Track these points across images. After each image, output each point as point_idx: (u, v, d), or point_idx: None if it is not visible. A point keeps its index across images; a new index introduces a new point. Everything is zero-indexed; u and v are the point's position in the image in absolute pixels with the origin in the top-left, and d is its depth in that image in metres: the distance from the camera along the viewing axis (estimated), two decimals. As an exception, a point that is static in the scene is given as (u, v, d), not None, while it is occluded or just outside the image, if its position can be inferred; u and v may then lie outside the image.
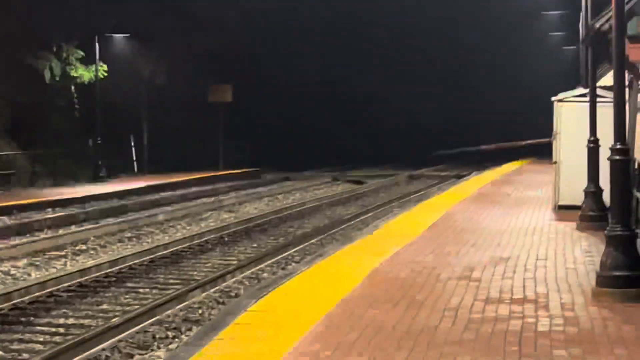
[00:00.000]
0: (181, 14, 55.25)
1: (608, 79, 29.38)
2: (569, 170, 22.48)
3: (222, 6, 58.00)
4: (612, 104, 11.99)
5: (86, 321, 15.05)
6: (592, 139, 19.70)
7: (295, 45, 68.45)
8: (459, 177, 48.24)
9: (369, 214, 30.86)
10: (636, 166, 19.10)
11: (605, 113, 17.97)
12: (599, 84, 23.70)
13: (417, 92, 77.43)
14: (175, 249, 22.44)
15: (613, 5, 12.10)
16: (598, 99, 20.15)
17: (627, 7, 13.61)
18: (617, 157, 11.62)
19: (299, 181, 50.38)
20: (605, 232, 11.59)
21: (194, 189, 42.70)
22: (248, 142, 61.25)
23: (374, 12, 75.97)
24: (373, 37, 76.73)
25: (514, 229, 19.47)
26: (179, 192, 41.02)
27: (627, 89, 19.30)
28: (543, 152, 48.83)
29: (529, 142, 70.29)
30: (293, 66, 67.25)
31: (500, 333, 9.52)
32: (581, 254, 15.50)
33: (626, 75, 18.17)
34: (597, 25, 14.86)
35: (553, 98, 23.99)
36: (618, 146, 11.64)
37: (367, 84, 74.74)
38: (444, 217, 22.12)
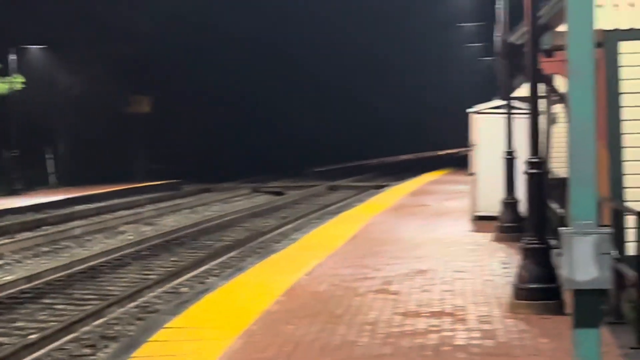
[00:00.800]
0: (99, 24, 54.78)
1: (525, 90, 29.81)
2: (486, 181, 22.72)
3: (140, 16, 57.64)
4: (527, 115, 12.16)
5: (1, 339, 14.80)
6: (508, 150, 19.96)
7: (214, 55, 68.27)
8: (379, 188, 48.46)
9: (289, 226, 30.83)
10: (552, 177, 19.41)
11: (522, 124, 18.24)
12: (515, 94, 24.02)
13: (326, 105, 77.76)
14: (92, 263, 22.19)
15: (526, 19, 12.28)
16: (514, 111, 20.43)
17: (540, 21, 13.81)
18: (532, 170, 11.76)
19: (219, 192, 50.18)
20: (521, 244, 11.73)
21: (112, 202, 42.29)
22: (167, 153, 60.91)
23: (292, 24, 76.18)
24: (289, 50, 76.93)
25: (432, 240, 19.61)
26: (96, 204, 40.57)
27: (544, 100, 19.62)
28: (461, 163, 49.30)
29: (448, 152, 71.03)
30: (212, 76, 67.06)
31: (418, 347, 9.57)
32: (498, 265, 15.66)
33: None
34: (512, 38, 15.06)
35: (469, 110, 24.25)
36: (533, 159, 11.79)
37: (282, 94, 74.90)
38: (363, 228, 22.20)
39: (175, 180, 55.20)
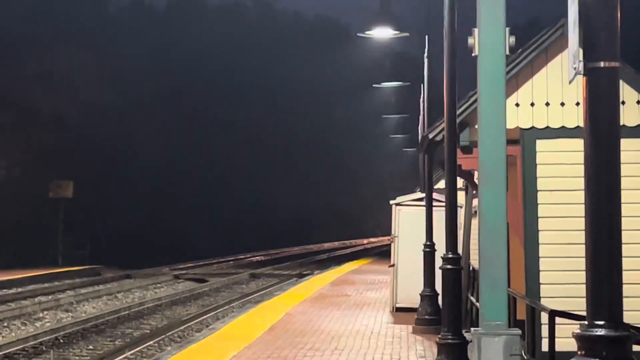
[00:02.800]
0: (22, 109, 54.50)
1: (443, 183, 30.20)
2: (406, 272, 22.84)
3: (63, 102, 57.50)
4: (448, 209, 12.31)
5: None
6: (428, 243, 20.12)
7: (135, 138, 68.25)
8: (301, 277, 48.39)
9: (209, 314, 30.59)
10: (471, 269, 19.58)
11: (441, 217, 18.45)
12: (436, 187, 24.33)
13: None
14: (7, 351, 21.75)
15: (445, 116, 12.50)
16: (435, 203, 20.64)
17: (459, 119, 14.06)
18: (449, 266, 11.88)
19: (140, 279, 49.66)
20: (438, 339, 11.79)
21: (30, 287, 41.60)
22: (89, 238, 60.32)
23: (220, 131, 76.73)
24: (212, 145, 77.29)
25: (352, 331, 19.58)
26: (15, 290, 39.89)
27: (463, 193, 19.88)
28: (384, 252, 49.53)
29: (370, 240, 71.28)
30: (133, 160, 66.96)
31: None
32: (416, 359, 15.67)
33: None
34: (432, 135, 15.30)
35: (392, 201, 24.46)
36: (450, 255, 11.92)
37: (207, 179, 75.01)
38: (283, 318, 22.10)
39: (96, 266, 54.58)
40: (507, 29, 7.02)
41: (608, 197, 4.85)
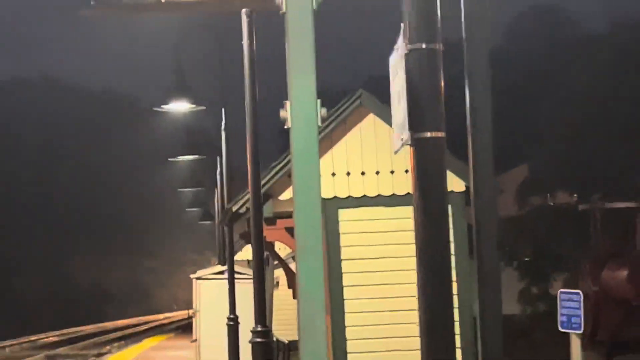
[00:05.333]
0: None
1: (243, 254, 30.14)
2: (210, 347, 22.59)
3: None
4: (250, 280, 12.23)
5: None
6: (231, 316, 19.97)
7: None
8: (99, 356, 47.15)
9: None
10: (275, 339, 19.53)
11: (244, 289, 18.36)
12: (235, 258, 24.21)
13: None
14: None
15: (250, 189, 12.48)
16: (236, 276, 20.55)
17: (262, 190, 14.06)
18: (259, 340, 11.78)
19: None
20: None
21: None
22: None
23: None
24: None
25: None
26: None
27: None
28: (182, 327, 48.95)
29: (167, 315, 70.42)
30: None
31: None
32: None
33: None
34: (235, 207, 15.24)
35: (192, 275, 24.25)
36: (259, 328, 11.82)
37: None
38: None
39: None
40: (319, 100, 7.06)
41: (439, 264, 4.90)
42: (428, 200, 4.83)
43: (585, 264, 23.03)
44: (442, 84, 4.80)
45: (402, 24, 4.89)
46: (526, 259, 30.35)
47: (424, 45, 4.81)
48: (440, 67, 4.83)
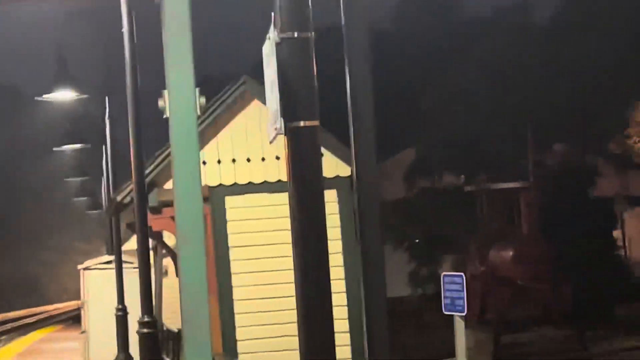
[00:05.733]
0: None
1: (132, 243, 29.82)
2: (99, 338, 22.30)
3: None
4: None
5: None
6: (119, 306, 19.74)
7: None
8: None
9: None
10: (165, 329, 19.37)
11: (132, 279, 18.15)
12: (124, 248, 23.95)
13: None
14: None
15: (133, 178, 12.32)
16: (125, 265, 20.31)
17: (147, 179, 13.90)
18: (146, 330, 11.66)
19: None
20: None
21: None
22: None
23: None
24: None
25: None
26: None
27: (152, 253, 19.66)
28: (72, 318, 48.28)
29: (57, 306, 69.40)
30: None
31: None
32: None
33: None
34: (120, 197, 15.05)
35: (79, 266, 23.93)
36: (146, 319, 11.70)
37: None
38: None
39: None
40: (197, 89, 6.98)
41: (316, 249, 4.89)
42: (303, 189, 4.81)
43: (472, 245, 23.39)
44: (315, 72, 4.77)
45: (272, 13, 4.86)
46: (416, 241, 30.65)
47: (295, 34, 4.78)
48: (312, 56, 4.80)
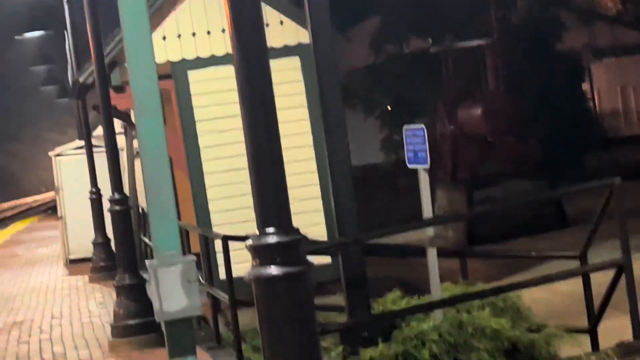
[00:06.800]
0: None
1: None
2: (75, 223, 22.41)
3: None
4: (109, 153, 12.08)
5: None
6: (93, 190, 19.82)
7: None
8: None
9: None
10: (141, 211, 19.44)
11: (105, 162, 18.14)
12: (95, 133, 23.87)
13: None
14: None
15: (93, 58, 12.20)
16: (96, 149, 20.28)
17: (108, 59, 13.79)
18: (117, 208, 11.71)
19: None
20: (115, 282, 11.64)
21: None
22: None
23: None
24: None
25: (26, 289, 19.01)
26: None
27: (123, 136, 19.62)
28: (52, 208, 48.31)
29: (36, 198, 69.50)
30: None
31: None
32: (95, 306, 15.46)
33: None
34: (82, 78, 14.94)
35: (50, 153, 23.87)
36: (116, 196, 11.75)
37: None
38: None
39: None
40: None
41: (263, 111, 4.89)
42: (248, 56, 4.79)
43: (441, 105, 23.40)
44: None
45: None
46: (388, 107, 30.63)
47: None
48: None
